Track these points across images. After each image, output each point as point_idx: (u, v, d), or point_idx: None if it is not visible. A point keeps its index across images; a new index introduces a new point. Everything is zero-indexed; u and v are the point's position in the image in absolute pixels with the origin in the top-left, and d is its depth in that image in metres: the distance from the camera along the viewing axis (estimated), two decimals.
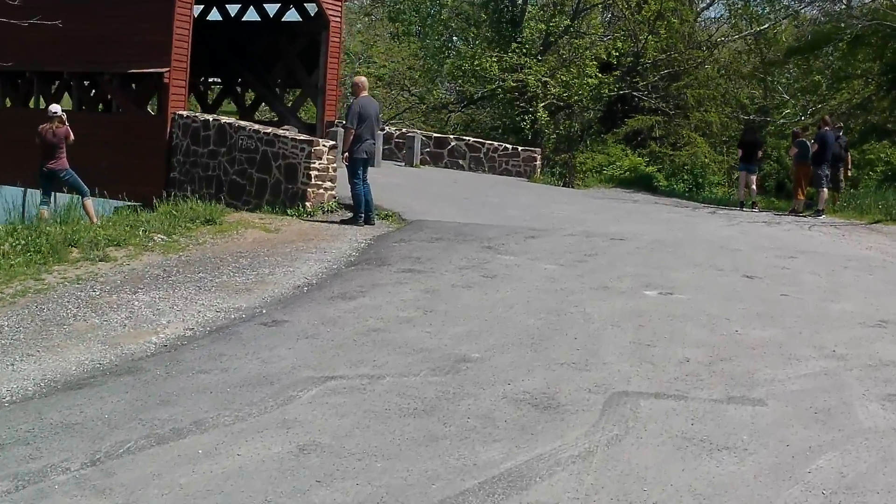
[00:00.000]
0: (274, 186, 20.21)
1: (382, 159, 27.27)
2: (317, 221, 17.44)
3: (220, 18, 31.34)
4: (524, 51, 31.00)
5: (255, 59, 30.09)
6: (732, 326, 9.76)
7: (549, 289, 11.37)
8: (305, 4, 28.88)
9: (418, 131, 28.53)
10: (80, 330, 9.48)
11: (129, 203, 23.70)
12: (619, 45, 30.45)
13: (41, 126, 16.81)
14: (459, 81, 33.56)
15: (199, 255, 13.62)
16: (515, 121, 31.24)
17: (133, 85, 25.38)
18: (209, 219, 16.05)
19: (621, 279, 12.12)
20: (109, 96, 26.01)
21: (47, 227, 14.26)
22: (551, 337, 9.11)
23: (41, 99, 26.39)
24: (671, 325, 9.71)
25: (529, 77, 29.81)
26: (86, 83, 26.47)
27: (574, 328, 9.45)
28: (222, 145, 21.75)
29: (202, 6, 31.28)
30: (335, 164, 19.84)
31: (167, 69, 22.97)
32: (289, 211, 18.54)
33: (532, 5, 32.87)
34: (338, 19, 28.21)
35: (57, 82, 26.68)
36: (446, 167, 27.35)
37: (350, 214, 17.48)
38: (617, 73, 30.27)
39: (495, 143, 27.72)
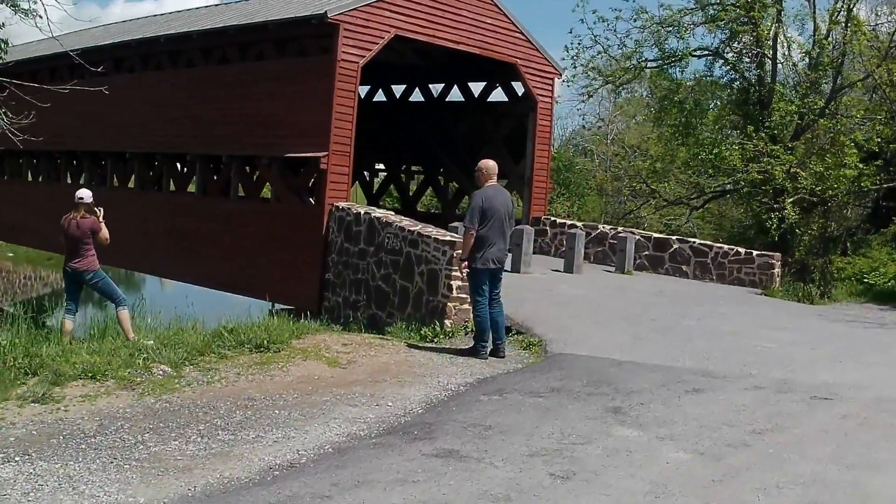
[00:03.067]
0: (416, 297, 16.23)
1: (593, 262, 22.70)
2: (433, 349, 13.16)
3: (423, 99, 27.52)
4: (772, 136, 25.42)
5: (458, 145, 26.06)
6: None
7: None
8: (513, 84, 24.63)
9: (634, 231, 23.49)
10: None
11: (285, 307, 20.30)
12: (881, 128, 24.31)
13: (64, 216, 13.03)
14: (690, 173, 28.14)
15: (188, 400, 9.69)
16: (761, 219, 25.56)
17: (293, 171, 21.74)
18: (261, 344, 11.80)
19: (782, 490, 6.96)
20: (269, 182, 22.49)
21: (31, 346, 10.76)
22: None
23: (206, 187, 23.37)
24: None
25: (777, 168, 24.18)
26: (247, 168, 23.15)
27: None
28: (371, 244, 17.93)
29: (404, 86, 27.76)
30: None
31: (325, 153, 19.33)
32: (423, 330, 14.36)
33: (781, 84, 27.13)
34: (547, 100, 23.96)
35: (221, 166, 23.52)
36: (667, 273, 22.20)
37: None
38: (879, 161, 24.12)
39: (725, 247, 22.26)
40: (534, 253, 23.24)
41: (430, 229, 16.31)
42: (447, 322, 14.81)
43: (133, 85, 24.96)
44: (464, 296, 15.04)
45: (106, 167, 26.48)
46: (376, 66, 26.27)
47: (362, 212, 18.31)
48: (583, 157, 49.00)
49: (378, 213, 18.24)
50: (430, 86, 27.27)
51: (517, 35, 22.97)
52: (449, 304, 14.96)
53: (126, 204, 25.18)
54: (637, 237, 22.76)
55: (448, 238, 15.44)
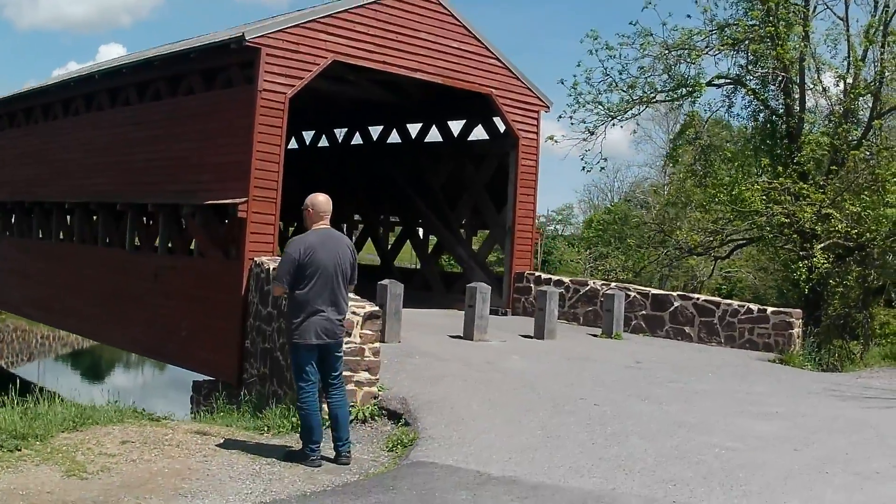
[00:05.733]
0: None
1: (583, 324, 18.86)
2: (260, 448, 9.57)
3: (400, 141, 23.85)
4: (802, 173, 21.18)
5: (436, 192, 22.34)
6: None
7: None
8: (494, 119, 20.87)
9: (632, 287, 19.34)
10: None
11: (207, 378, 16.89)
12: None
13: None
14: (707, 218, 23.75)
15: None
16: (789, 268, 21.22)
17: (221, 221, 18.15)
18: None
19: None
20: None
21: None
22: None
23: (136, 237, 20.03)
24: None
25: (806, 209, 19.93)
26: (176, 219, 19.66)
27: None
28: (276, 306, 14.14)
29: (381, 127, 24.10)
30: (376, 344, 11.59)
31: (244, 200, 15.74)
32: (295, 417, 10.53)
33: (811, 113, 22.82)
34: (532, 136, 20.18)
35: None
36: (667, 336, 18.14)
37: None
38: None
39: (735, 304, 18.04)
40: (516, 314, 19.61)
41: None
42: (325, 406, 11.04)
43: (78, 129, 21.86)
44: (347, 373, 11.29)
45: (51, 219, 23.28)
46: (353, 104, 22.93)
47: (272, 267, 14.64)
48: (641, 210, 45.06)
49: None
50: (409, 126, 23.56)
51: (491, 61, 19.22)
52: None
53: (67, 260, 22.06)
54: (633, 294, 18.73)
55: None
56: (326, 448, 9.21)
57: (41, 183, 23.00)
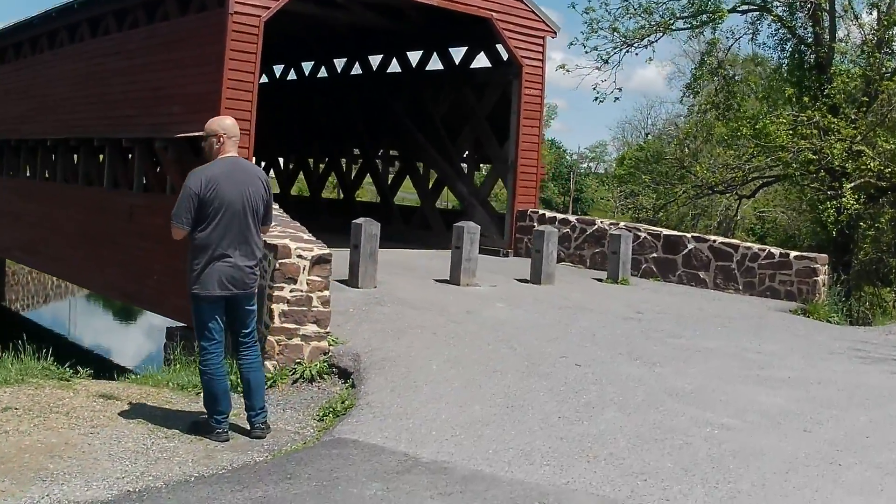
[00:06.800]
0: None
1: (589, 267, 17.11)
2: (166, 416, 7.98)
3: (400, 70, 21.96)
4: (832, 106, 19.10)
5: (437, 124, 20.51)
6: None
7: None
8: (497, 46, 18.98)
9: (643, 227, 17.43)
10: None
11: (179, 324, 15.36)
12: None
13: None
14: (723, 152, 21.71)
15: None
16: (817, 209, 19.23)
17: (196, 155, 16.45)
18: None
19: None
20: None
21: None
22: None
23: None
24: None
25: (835, 146, 17.91)
26: (152, 154, 17.99)
27: None
28: None
29: (380, 57, 22.20)
30: (326, 293, 9.88)
31: None
32: (233, 376, 8.84)
33: (842, 42, 20.58)
34: (536, 63, 18.31)
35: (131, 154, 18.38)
36: (679, 282, 16.34)
37: None
38: None
39: (755, 247, 16.12)
40: (518, 255, 17.88)
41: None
42: (270, 364, 9.42)
43: (62, 62, 20.25)
44: (292, 326, 9.71)
45: (36, 157, 21.73)
46: (349, 31, 21.20)
47: None
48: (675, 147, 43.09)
49: None
50: (410, 54, 21.64)
51: None
52: (271, 337, 9.59)
53: (51, 200, 20.55)
54: (643, 235, 16.90)
55: (275, 241, 9.91)
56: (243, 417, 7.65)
57: (29, 120, 21.46)
